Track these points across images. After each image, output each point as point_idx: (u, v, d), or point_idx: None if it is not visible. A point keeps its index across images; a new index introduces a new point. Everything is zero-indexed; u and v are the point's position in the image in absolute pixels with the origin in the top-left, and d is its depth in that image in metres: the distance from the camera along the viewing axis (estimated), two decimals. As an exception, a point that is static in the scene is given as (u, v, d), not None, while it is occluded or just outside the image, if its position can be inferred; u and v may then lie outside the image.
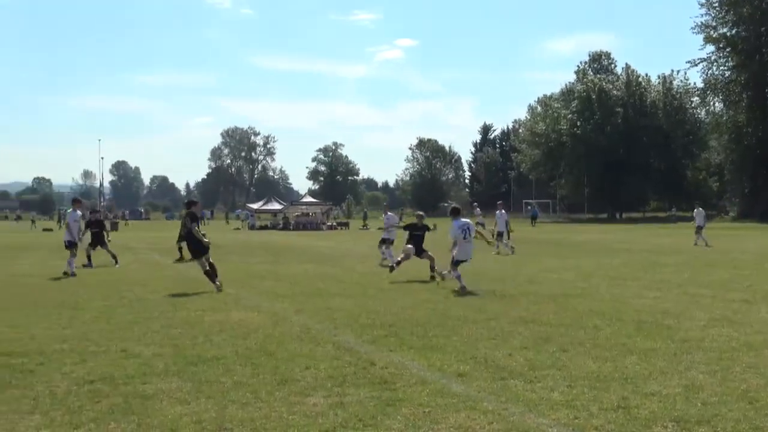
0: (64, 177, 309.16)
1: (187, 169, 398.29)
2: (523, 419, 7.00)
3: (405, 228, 21.75)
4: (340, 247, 38.68)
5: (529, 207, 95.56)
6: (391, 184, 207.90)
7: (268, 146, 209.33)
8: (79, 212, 24.31)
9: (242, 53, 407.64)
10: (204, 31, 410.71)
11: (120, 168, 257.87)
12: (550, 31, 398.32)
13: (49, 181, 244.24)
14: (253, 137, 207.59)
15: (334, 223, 75.79)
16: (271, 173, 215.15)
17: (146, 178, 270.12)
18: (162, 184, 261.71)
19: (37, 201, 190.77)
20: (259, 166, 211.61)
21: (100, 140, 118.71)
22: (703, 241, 35.45)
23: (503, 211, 32.66)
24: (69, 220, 23.86)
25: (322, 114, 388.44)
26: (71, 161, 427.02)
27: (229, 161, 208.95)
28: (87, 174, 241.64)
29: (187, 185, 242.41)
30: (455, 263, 17.62)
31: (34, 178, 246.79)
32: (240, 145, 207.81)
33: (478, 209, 45.39)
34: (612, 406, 7.38)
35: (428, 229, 21.44)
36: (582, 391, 8.00)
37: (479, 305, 14.55)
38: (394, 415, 7.15)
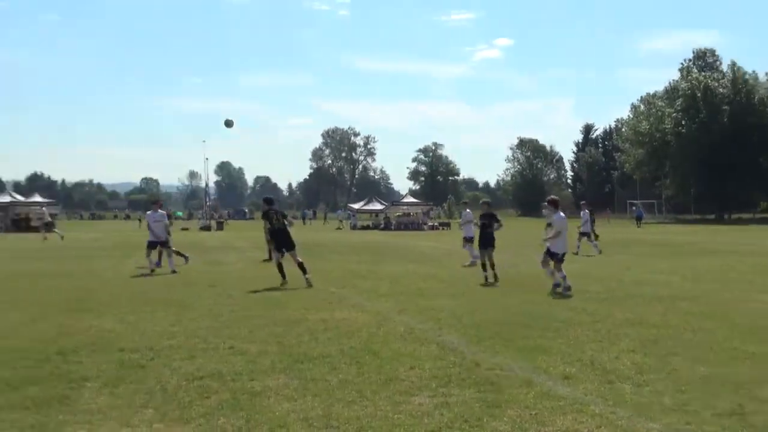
0: (170, 177, 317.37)
1: (289, 169, 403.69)
2: (632, 424, 6.85)
3: (480, 219, 20.89)
4: (441, 246, 38.61)
5: (634, 207, 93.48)
6: (492, 184, 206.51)
7: (369, 146, 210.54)
8: (160, 212, 24.80)
9: (340, 54, 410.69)
10: (303, 33, 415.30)
11: (224, 168, 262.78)
12: (650, 29, 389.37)
13: (156, 181, 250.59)
14: (353, 137, 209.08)
15: (436, 223, 75.69)
16: (371, 173, 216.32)
17: (250, 179, 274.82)
18: (265, 184, 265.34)
19: (145, 201, 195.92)
20: (360, 167, 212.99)
21: (204, 141, 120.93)
22: None
23: (587, 211, 32.18)
24: (149, 221, 24.40)
25: (419, 114, 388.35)
26: (178, 162, 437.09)
27: (330, 161, 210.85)
28: (192, 174, 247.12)
29: (290, 185, 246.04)
30: (560, 260, 17.19)
31: (142, 179, 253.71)
32: (340, 146, 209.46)
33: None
34: (726, 412, 7.17)
35: (497, 220, 20.59)
36: (693, 396, 7.80)
37: (584, 307, 14.33)
38: (500, 417, 7.09)
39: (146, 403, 7.64)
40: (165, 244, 23.91)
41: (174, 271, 22.41)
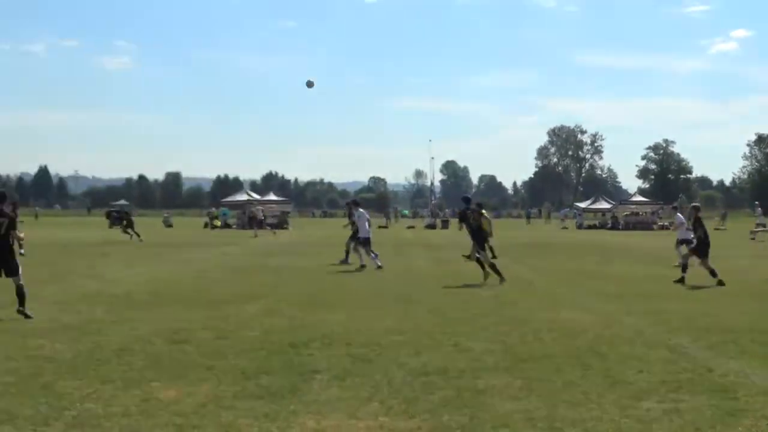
0: (397, 176, 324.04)
1: (514, 168, 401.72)
2: None
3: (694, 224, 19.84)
4: (671, 247, 37.13)
5: None
6: (727, 182, 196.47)
7: (596, 144, 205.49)
8: (362, 210, 25.36)
9: (566, 51, 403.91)
10: (529, 31, 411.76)
11: (449, 167, 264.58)
12: None
13: (384, 180, 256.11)
14: (579, 135, 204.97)
15: (667, 223, 72.97)
16: (599, 172, 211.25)
17: (474, 177, 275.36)
18: (490, 183, 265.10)
19: (374, 199, 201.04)
20: (587, 165, 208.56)
21: (430, 141, 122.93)
22: None
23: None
24: (357, 219, 24.85)
25: (649, 110, 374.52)
26: (405, 161, 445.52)
27: (555, 160, 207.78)
28: (419, 173, 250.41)
29: (514, 184, 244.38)
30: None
31: (370, 178, 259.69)
32: (566, 144, 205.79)
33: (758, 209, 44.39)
34: None
35: (701, 225, 19.52)
36: None
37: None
38: (735, 426, 6.74)
39: (372, 396, 7.80)
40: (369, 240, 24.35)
41: (380, 267, 22.85)
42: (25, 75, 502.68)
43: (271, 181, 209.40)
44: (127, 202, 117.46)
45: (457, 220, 20.67)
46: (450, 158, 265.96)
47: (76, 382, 8.18)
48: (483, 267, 19.75)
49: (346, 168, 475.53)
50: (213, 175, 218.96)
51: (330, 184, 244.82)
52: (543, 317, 13.13)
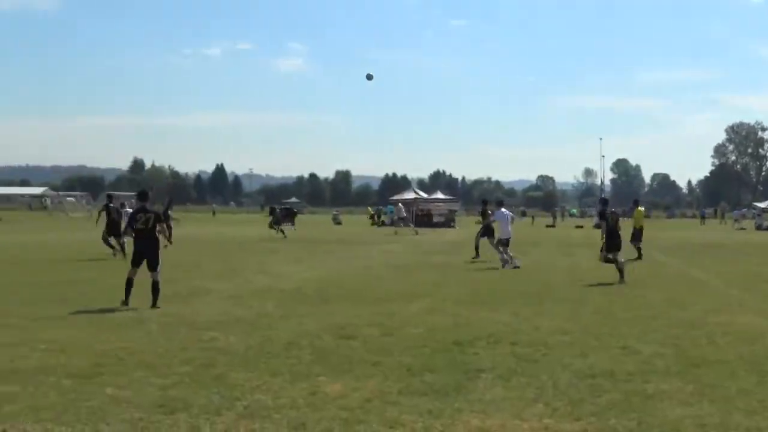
0: (566, 175, 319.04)
1: (689, 166, 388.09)
2: None
3: None
4: None
5: None
6: None
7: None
8: (504, 210, 25.62)
9: (747, 44, 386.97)
10: (708, 24, 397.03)
11: (620, 166, 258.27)
12: None
13: (552, 179, 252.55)
14: (760, 133, 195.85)
15: None
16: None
17: (647, 176, 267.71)
18: (662, 182, 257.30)
19: (541, 198, 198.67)
20: (767, 163, 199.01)
21: (601, 139, 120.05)
22: None
23: None
24: (500, 219, 24.83)
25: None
26: (574, 159, 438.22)
27: (733, 158, 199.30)
28: (588, 172, 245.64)
29: (689, 183, 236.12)
30: None
31: (538, 176, 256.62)
32: (746, 141, 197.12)
33: None
34: None
35: None
36: None
37: None
38: None
39: (537, 397, 7.70)
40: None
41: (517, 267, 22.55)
42: (204, 78, 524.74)
43: (439, 180, 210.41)
44: (297, 200, 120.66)
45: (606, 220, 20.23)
46: (621, 156, 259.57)
47: (247, 374, 8.46)
48: (617, 266, 19.71)
49: (513, 166, 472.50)
50: (381, 174, 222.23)
51: (497, 183, 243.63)
52: (717, 321, 12.63)
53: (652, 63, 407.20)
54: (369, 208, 77.67)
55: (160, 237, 14.34)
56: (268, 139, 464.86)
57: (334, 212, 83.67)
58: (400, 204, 58.63)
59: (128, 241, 18.41)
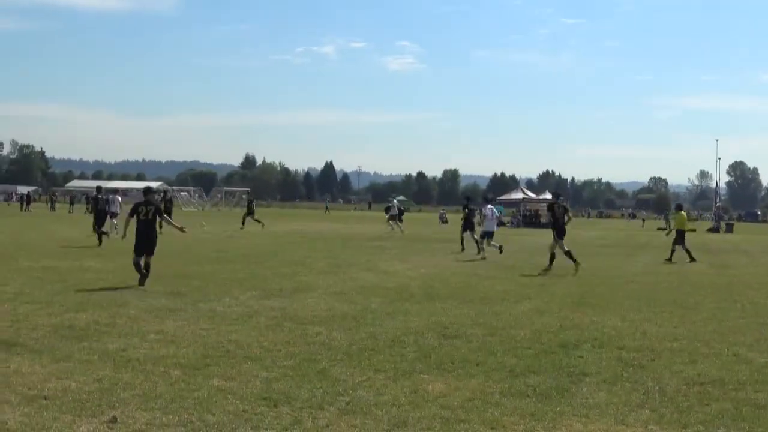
0: (679, 177, 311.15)
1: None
2: None
3: None
4: None
5: None
6: None
7: None
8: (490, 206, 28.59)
9: None
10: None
11: (737, 168, 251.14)
12: None
13: (664, 180, 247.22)
14: None
15: None
16: None
17: (765, 179, 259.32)
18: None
19: (654, 200, 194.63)
20: None
21: (717, 140, 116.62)
22: None
23: None
24: (485, 213, 27.37)
25: None
26: (687, 162, 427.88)
27: None
28: (703, 174, 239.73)
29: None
30: None
31: (651, 178, 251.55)
32: None
33: None
34: None
35: None
36: None
37: None
38: None
39: (643, 403, 7.55)
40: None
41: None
42: (316, 76, 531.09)
43: (548, 180, 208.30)
44: (404, 198, 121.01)
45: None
46: (738, 159, 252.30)
47: (350, 370, 8.53)
48: (571, 258, 21.55)
49: (625, 167, 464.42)
50: (489, 173, 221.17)
51: (607, 184, 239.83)
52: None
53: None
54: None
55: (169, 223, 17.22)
56: (378, 137, 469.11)
57: (441, 211, 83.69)
58: (395, 201, 58.11)
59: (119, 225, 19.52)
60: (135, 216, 15.96)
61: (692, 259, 26.95)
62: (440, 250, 29.92)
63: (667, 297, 16.25)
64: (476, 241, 27.63)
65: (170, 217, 22.04)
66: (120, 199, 38.04)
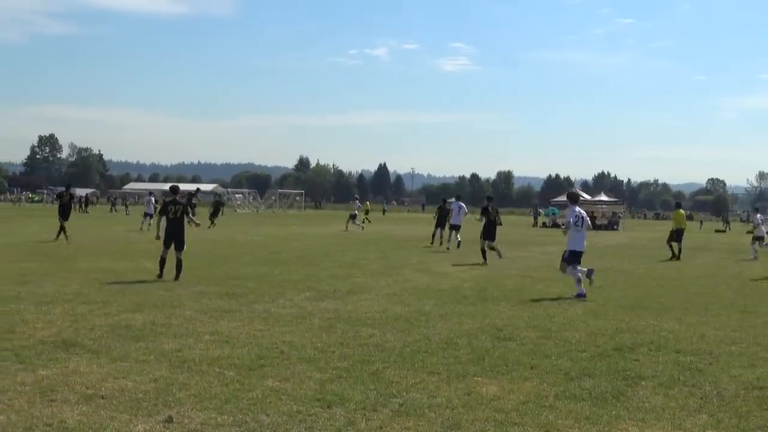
0: (738, 178, 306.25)
1: None
2: None
3: None
4: None
5: None
6: None
7: None
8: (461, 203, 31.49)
9: None
10: None
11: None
12: None
13: (722, 182, 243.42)
14: None
15: None
16: None
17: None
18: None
19: (711, 201, 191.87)
20: None
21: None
22: None
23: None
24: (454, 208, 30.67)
25: None
26: (746, 163, 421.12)
27: None
28: (762, 176, 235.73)
29: None
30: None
31: (708, 179, 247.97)
32: None
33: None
34: None
35: None
36: None
37: None
38: None
39: (700, 407, 7.44)
40: None
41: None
42: (369, 78, 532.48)
43: (603, 181, 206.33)
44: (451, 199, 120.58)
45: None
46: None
47: (403, 372, 8.53)
48: (487, 254, 24.06)
49: (682, 169, 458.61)
50: (544, 175, 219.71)
51: (664, 185, 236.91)
52: None
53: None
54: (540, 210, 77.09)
55: (191, 220, 17.90)
56: (431, 139, 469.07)
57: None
58: (358, 202, 57.43)
59: (154, 224, 20.34)
60: (165, 215, 17.27)
61: (674, 256, 28.14)
62: (493, 252, 29.72)
63: (726, 300, 16.00)
64: (450, 236, 30.95)
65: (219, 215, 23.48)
66: (154, 200, 38.96)
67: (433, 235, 33.36)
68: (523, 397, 7.62)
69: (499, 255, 24.62)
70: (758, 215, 34.37)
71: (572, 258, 15.94)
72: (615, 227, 63.33)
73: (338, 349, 9.69)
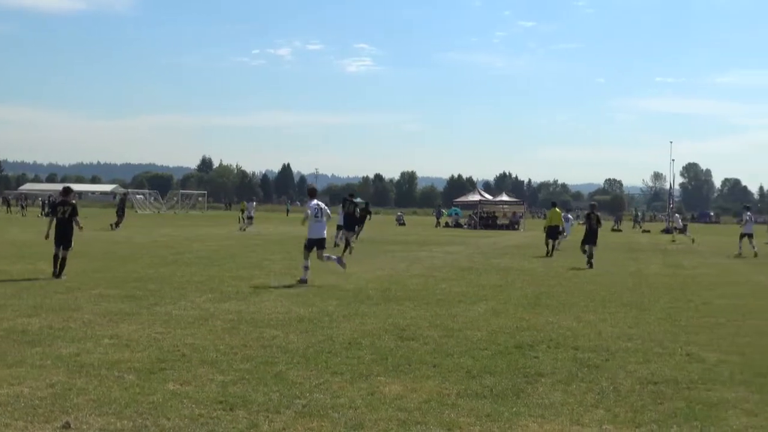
0: (634, 179, 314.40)
1: (761, 172, 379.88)
2: None
3: None
4: None
5: None
6: None
7: None
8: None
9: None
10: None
11: (690, 170, 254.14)
12: None
13: (619, 182, 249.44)
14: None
15: None
16: None
17: (717, 181, 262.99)
18: (733, 187, 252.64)
19: (608, 201, 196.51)
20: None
21: (671, 142, 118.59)
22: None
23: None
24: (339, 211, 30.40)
25: None
26: (642, 163, 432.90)
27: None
28: (657, 176, 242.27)
29: (761, 189, 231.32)
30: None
31: (606, 180, 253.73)
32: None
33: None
34: None
35: None
36: None
37: None
38: None
39: (598, 402, 7.62)
40: None
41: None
42: (273, 78, 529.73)
43: (505, 182, 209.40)
44: (362, 200, 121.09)
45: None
46: (692, 160, 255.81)
47: (306, 372, 8.51)
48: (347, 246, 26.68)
49: (581, 169, 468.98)
50: (447, 175, 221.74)
51: (564, 186, 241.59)
52: (787, 329, 12.38)
53: (726, 66, 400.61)
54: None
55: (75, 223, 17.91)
56: (335, 140, 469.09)
57: (398, 213, 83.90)
58: (254, 201, 57.72)
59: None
60: (55, 215, 18.04)
61: (548, 254, 29.91)
62: (397, 253, 29.93)
63: (622, 298, 16.41)
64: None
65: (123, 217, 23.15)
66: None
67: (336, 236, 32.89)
68: (426, 395, 7.69)
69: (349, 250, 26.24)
70: (748, 213, 35.77)
71: (311, 245, 18.12)
72: (516, 227, 64.28)
73: (241, 350, 9.61)
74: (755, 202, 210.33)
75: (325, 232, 18.50)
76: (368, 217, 28.30)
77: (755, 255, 32.44)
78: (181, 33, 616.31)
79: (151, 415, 6.77)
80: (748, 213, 35.52)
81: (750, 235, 33.78)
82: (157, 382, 7.92)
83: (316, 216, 18.26)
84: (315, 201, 18.57)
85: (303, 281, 17.35)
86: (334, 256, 18.58)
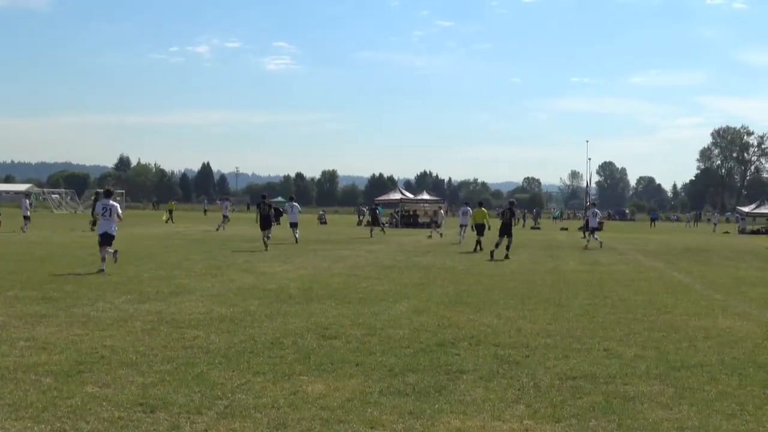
0: (552, 177, 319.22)
1: (674, 170, 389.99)
2: None
3: None
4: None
5: None
6: None
7: (763, 147, 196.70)
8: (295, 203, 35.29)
9: (734, 50, 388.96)
10: (694, 29, 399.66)
11: (606, 169, 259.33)
12: None
13: (537, 180, 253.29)
14: (745, 137, 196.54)
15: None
16: (765, 175, 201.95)
17: (632, 179, 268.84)
18: (648, 185, 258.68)
19: (527, 200, 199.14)
20: (752, 168, 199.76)
21: (587, 141, 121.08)
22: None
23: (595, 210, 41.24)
24: (290, 209, 35.11)
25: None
26: (560, 162, 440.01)
27: (719, 162, 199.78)
28: (574, 174, 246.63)
29: (674, 186, 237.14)
30: None
31: (524, 178, 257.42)
32: (731, 146, 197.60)
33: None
34: None
35: None
36: None
37: None
38: None
39: (518, 398, 7.73)
40: None
41: None
42: (191, 76, 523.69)
43: (425, 180, 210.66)
44: (283, 199, 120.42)
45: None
46: (607, 159, 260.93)
47: (228, 373, 8.45)
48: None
49: (500, 168, 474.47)
50: (368, 174, 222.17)
51: (483, 184, 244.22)
52: (698, 324, 12.71)
53: (640, 67, 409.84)
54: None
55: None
56: (255, 138, 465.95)
57: (320, 212, 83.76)
58: (228, 201, 57.92)
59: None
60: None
61: (475, 250, 31.73)
62: (319, 252, 29.89)
63: (542, 294, 16.65)
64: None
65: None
66: (28, 202, 37.84)
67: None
68: (349, 394, 7.70)
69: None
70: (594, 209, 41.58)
71: (104, 240, 19.85)
72: (435, 227, 64.64)
73: (161, 352, 9.49)
74: (669, 200, 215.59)
75: (113, 228, 20.31)
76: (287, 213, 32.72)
77: (599, 246, 37.03)
78: (98, 30, 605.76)
79: (69, 418, 6.64)
80: (594, 209, 41.91)
81: (594, 229, 39.80)
82: (75, 384, 7.77)
83: (103, 215, 20.36)
84: (110, 200, 20.55)
85: (102, 271, 18.94)
86: (110, 250, 20.01)
